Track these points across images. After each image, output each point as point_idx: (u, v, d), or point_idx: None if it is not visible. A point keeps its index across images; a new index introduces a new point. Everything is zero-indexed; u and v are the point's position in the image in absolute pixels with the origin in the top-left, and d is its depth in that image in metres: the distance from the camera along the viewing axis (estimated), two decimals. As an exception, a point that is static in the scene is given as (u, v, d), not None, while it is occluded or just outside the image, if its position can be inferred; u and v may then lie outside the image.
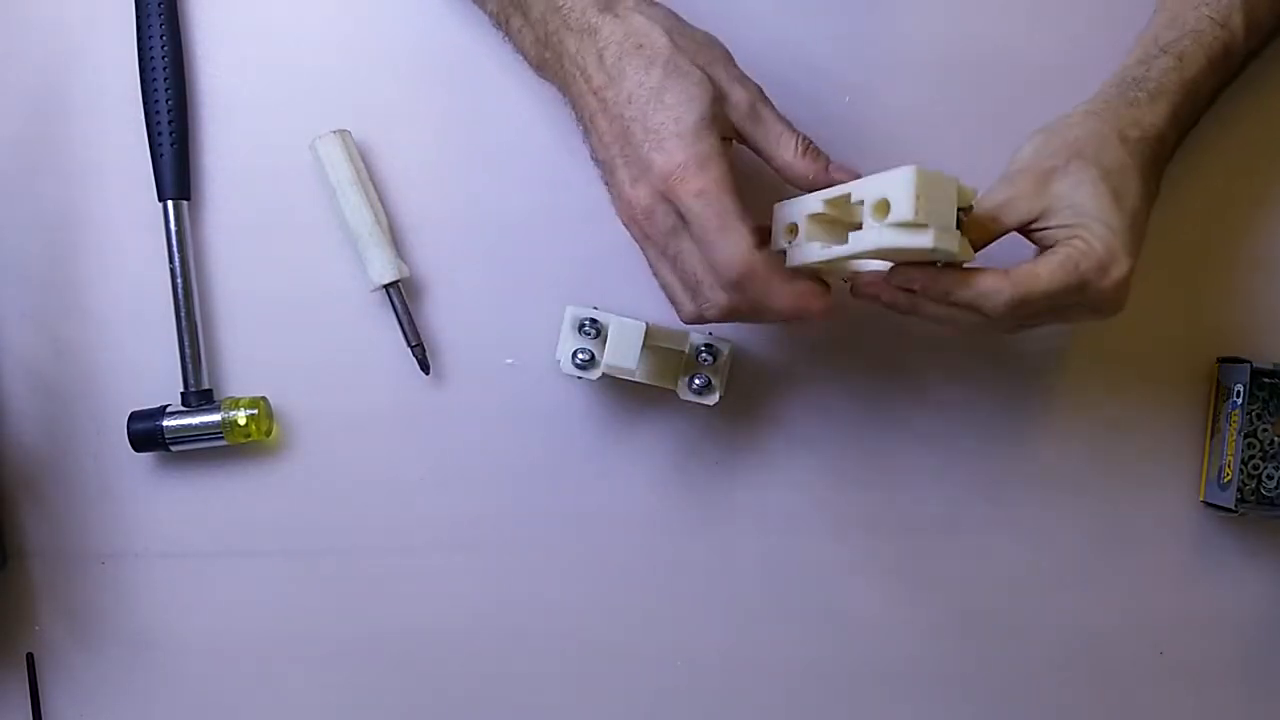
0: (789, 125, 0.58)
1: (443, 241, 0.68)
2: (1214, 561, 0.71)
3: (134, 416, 0.66)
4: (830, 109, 0.68)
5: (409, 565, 0.69)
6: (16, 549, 0.68)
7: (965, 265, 0.57)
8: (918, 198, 0.51)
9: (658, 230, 0.55)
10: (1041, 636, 0.70)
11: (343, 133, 0.66)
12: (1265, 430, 0.68)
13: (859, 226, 0.54)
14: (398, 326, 0.67)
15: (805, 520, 0.70)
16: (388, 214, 0.67)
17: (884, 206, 0.52)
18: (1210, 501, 0.69)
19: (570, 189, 0.68)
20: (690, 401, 0.65)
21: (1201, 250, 0.69)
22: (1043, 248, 0.59)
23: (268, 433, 0.67)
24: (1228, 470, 0.67)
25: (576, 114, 0.59)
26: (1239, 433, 0.67)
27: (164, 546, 0.69)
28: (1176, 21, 0.64)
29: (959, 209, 0.54)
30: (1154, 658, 0.71)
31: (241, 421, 0.66)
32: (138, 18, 0.66)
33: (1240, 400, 0.67)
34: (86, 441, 0.68)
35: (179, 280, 0.66)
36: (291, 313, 0.68)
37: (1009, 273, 0.56)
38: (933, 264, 0.57)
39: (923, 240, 0.52)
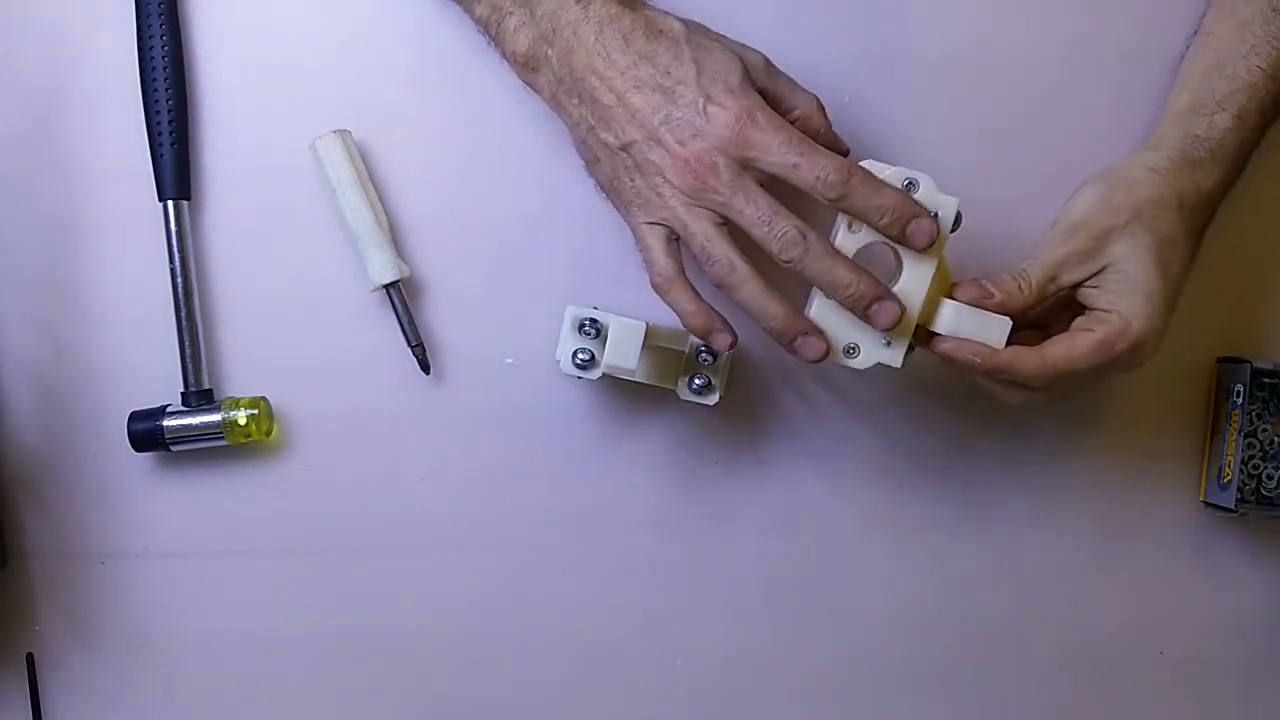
0: (799, 86, 0.62)
1: (443, 241, 0.68)
2: (1214, 561, 0.71)
3: (134, 416, 0.66)
4: (830, 109, 0.68)
5: (409, 565, 0.69)
6: (16, 549, 0.68)
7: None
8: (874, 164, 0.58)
9: (723, 180, 0.56)
10: (1041, 636, 0.70)
11: (343, 133, 0.66)
12: (1265, 430, 0.68)
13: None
14: (398, 326, 0.67)
15: (805, 520, 0.70)
16: (388, 214, 0.67)
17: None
18: (1210, 501, 0.69)
19: (571, 189, 0.68)
20: (690, 401, 0.65)
21: (1203, 250, 0.69)
22: (1084, 304, 0.61)
23: (268, 433, 0.67)
24: (1228, 470, 0.67)
25: (584, 115, 0.59)
26: (1239, 433, 0.67)
27: (164, 546, 0.69)
28: (1226, 70, 0.63)
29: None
30: (1154, 658, 0.71)
31: (241, 421, 0.66)
32: (138, 18, 0.66)
33: (1240, 400, 0.67)
34: (86, 441, 0.68)
35: (179, 280, 0.66)
36: (291, 313, 0.68)
37: (1045, 354, 0.59)
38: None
39: (887, 170, 0.58)
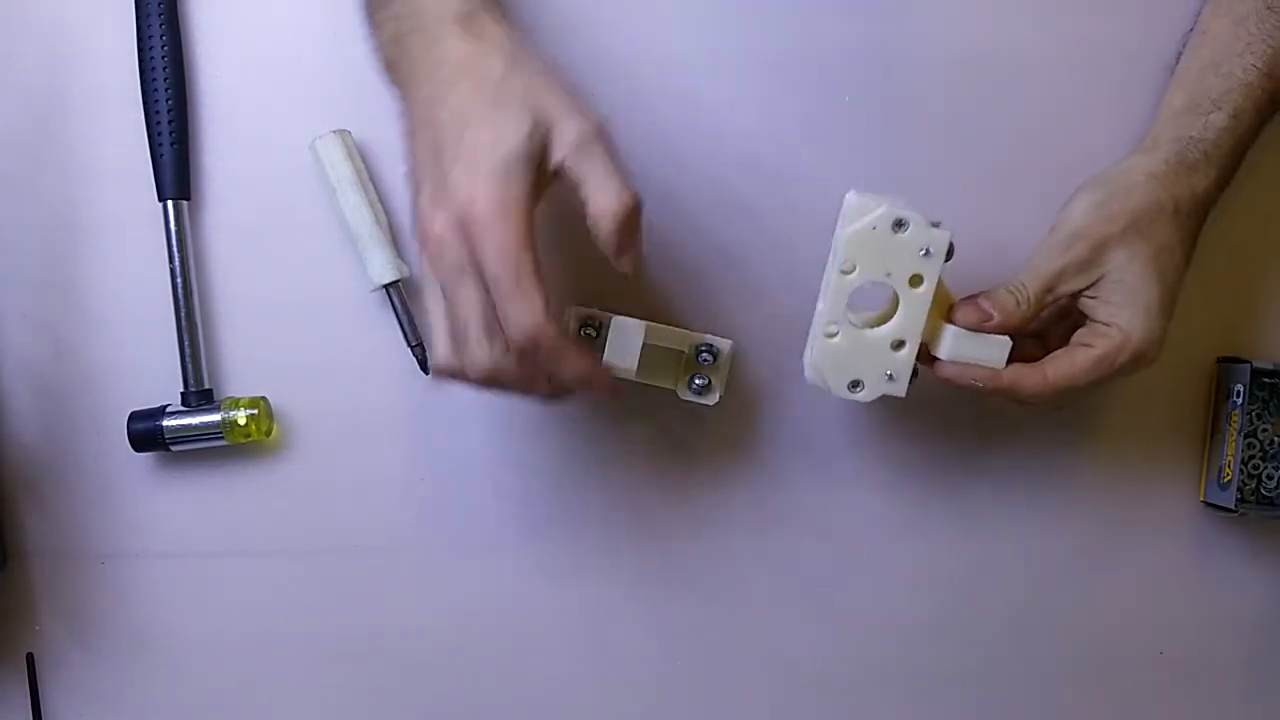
0: (623, 176, 0.53)
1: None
2: (1214, 561, 0.70)
3: (134, 416, 0.66)
4: (830, 109, 0.68)
5: (409, 565, 0.69)
6: (16, 549, 0.68)
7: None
8: (860, 197, 0.58)
9: (444, 264, 0.51)
10: (1041, 636, 0.70)
11: (343, 133, 0.66)
12: (1265, 430, 0.68)
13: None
14: (398, 326, 0.67)
15: (804, 520, 0.70)
16: (388, 214, 0.67)
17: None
18: (1210, 501, 0.69)
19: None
20: (690, 402, 0.65)
21: (1202, 250, 0.69)
22: (1083, 313, 0.61)
23: (268, 433, 0.67)
24: (1228, 470, 0.67)
25: (404, 125, 0.55)
26: (1239, 433, 0.67)
27: (164, 546, 0.69)
28: (1222, 69, 0.63)
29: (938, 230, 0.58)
30: (1154, 658, 0.71)
31: (241, 421, 0.66)
32: (138, 18, 0.66)
33: (1240, 400, 0.67)
34: (86, 441, 0.68)
35: (179, 280, 0.66)
36: (291, 313, 0.68)
37: (1047, 372, 0.59)
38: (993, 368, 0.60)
39: (876, 211, 0.57)
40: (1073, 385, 0.59)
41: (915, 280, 0.59)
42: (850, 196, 0.58)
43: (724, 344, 0.65)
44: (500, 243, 0.50)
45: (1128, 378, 0.61)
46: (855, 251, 0.58)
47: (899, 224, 0.57)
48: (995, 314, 0.60)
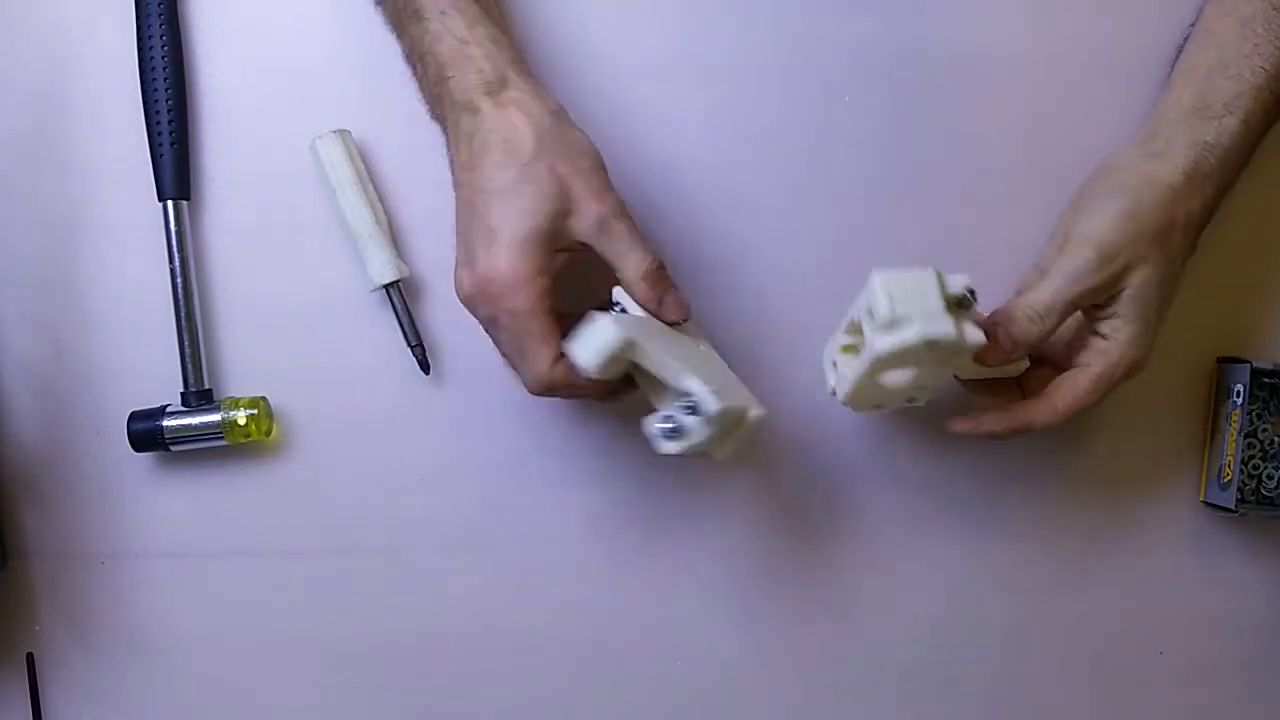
0: (642, 244, 0.59)
1: (443, 241, 0.68)
2: (1214, 561, 0.70)
3: (134, 416, 0.66)
4: (830, 109, 0.68)
5: (409, 565, 0.69)
6: (16, 549, 0.68)
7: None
8: (889, 295, 0.54)
9: (478, 315, 0.58)
10: (1042, 636, 0.70)
11: (343, 133, 0.66)
12: (1265, 430, 0.68)
13: None
14: (398, 326, 0.67)
15: (804, 519, 0.70)
16: (388, 214, 0.67)
17: (871, 315, 0.55)
18: (1210, 501, 0.69)
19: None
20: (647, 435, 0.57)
21: (1202, 250, 0.69)
22: (1090, 328, 0.61)
23: (268, 433, 0.67)
24: (1228, 470, 0.67)
25: (451, 176, 0.60)
26: (1239, 433, 0.67)
27: (164, 546, 0.69)
28: (1230, 70, 0.62)
29: (958, 294, 0.56)
30: (1154, 658, 0.71)
31: (241, 421, 0.66)
32: (138, 18, 0.66)
33: (1240, 400, 0.67)
34: (86, 441, 0.68)
35: (179, 280, 0.66)
36: (291, 313, 0.68)
37: (1057, 404, 0.61)
38: (1001, 410, 0.61)
39: (908, 334, 0.53)
40: (1081, 407, 0.61)
41: (942, 363, 0.59)
42: (875, 285, 0.54)
43: (709, 403, 0.54)
44: (511, 310, 0.56)
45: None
46: (884, 364, 0.56)
47: (933, 344, 0.54)
48: (1012, 348, 0.59)
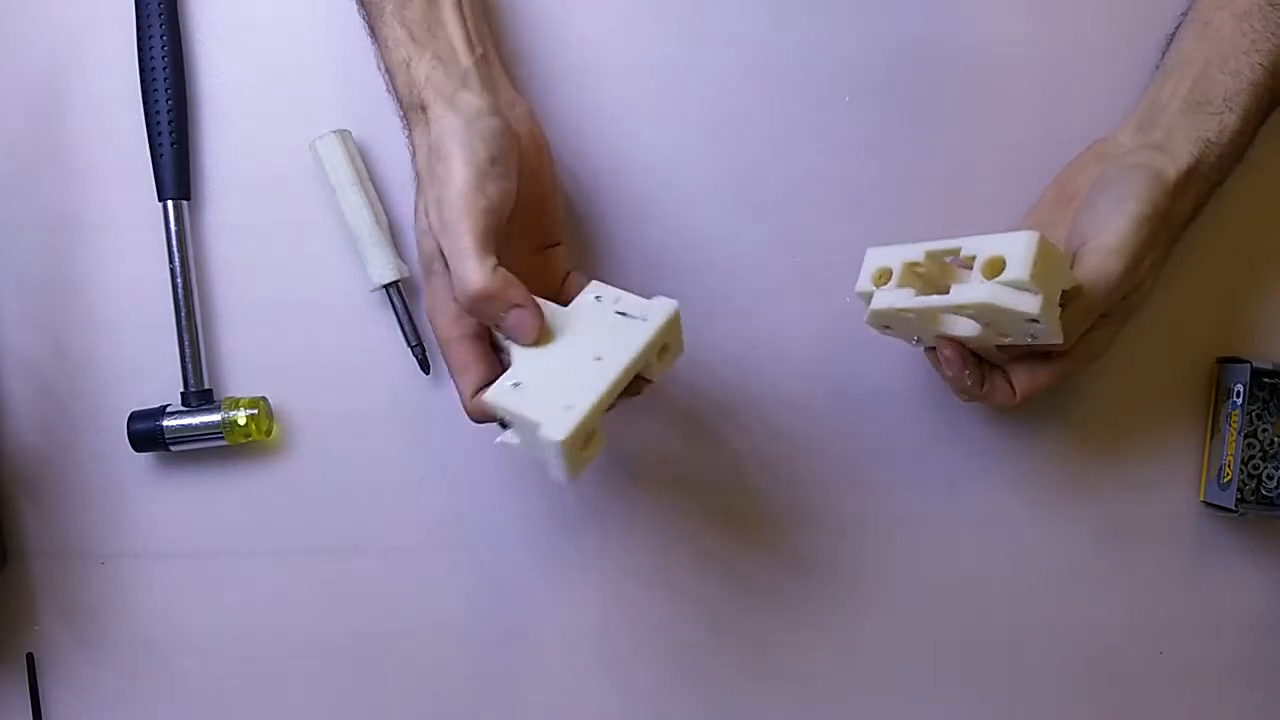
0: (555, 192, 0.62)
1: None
2: (1214, 561, 0.70)
3: (134, 416, 0.66)
4: (830, 109, 0.68)
5: (408, 565, 0.69)
6: (16, 549, 0.68)
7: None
8: (1035, 262, 0.52)
9: (423, 261, 0.59)
10: (1042, 636, 0.70)
11: (343, 133, 0.66)
12: (1265, 430, 0.68)
13: (947, 290, 0.55)
14: (398, 326, 0.67)
15: (805, 520, 0.70)
16: (388, 214, 0.67)
17: (998, 264, 0.54)
18: (1210, 501, 0.69)
19: (569, 188, 0.68)
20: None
21: (1202, 251, 0.69)
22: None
23: (268, 433, 0.67)
24: (1228, 470, 0.67)
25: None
26: (1239, 433, 0.67)
27: (164, 546, 0.69)
28: (1229, 65, 0.62)
29: (1063, 289, 0.55)
30: (1154, 658, 0.71)
31: (241, 421, 0.66)
32: (138, 18, 0.66)
33: (1240, 400, 0.67)
34: (86, 441, 0.68)
35: (179, 280, 0.66)
36: (291, 313, 0.68)
37: (1016, 384, 0.61)
38: (1015, 348, 0.59)
39: (1030, 305, 0.53)
40: (1036, 392, 0.61)
41: (1003, 335, 0.58)
42: (1028, 240, 0.53)
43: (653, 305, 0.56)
44: (449, 214, 0.55)
45: (1107, 379, 0.63)
46: (980, 310, 0.55)
47: (1033, 320, 0.54)
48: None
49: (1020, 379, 0.61)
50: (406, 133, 0.61)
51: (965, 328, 0.59)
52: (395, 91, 0.61)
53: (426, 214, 0.57)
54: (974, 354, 0.61)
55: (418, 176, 0.59)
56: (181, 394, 0.66)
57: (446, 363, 0.60)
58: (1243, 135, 0.62)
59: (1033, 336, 0.57)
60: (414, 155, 0.60)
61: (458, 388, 0.59)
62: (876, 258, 0.60)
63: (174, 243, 0.66)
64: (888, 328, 0.62)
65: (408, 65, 0.59)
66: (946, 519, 0.70)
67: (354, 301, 0.68)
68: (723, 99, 0.68)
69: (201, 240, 0.68)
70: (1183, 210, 0.61)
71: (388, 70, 0.61)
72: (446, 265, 0.56)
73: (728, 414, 0.69)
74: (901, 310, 0.58)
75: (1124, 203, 0.60)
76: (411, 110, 0.60)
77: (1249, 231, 0.70)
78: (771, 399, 0.69)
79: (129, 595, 0.69)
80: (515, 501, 0.69)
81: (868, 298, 0.59)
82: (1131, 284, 0.59)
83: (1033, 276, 0.52)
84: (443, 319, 0.59)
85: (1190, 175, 0.61)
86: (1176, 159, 0.61)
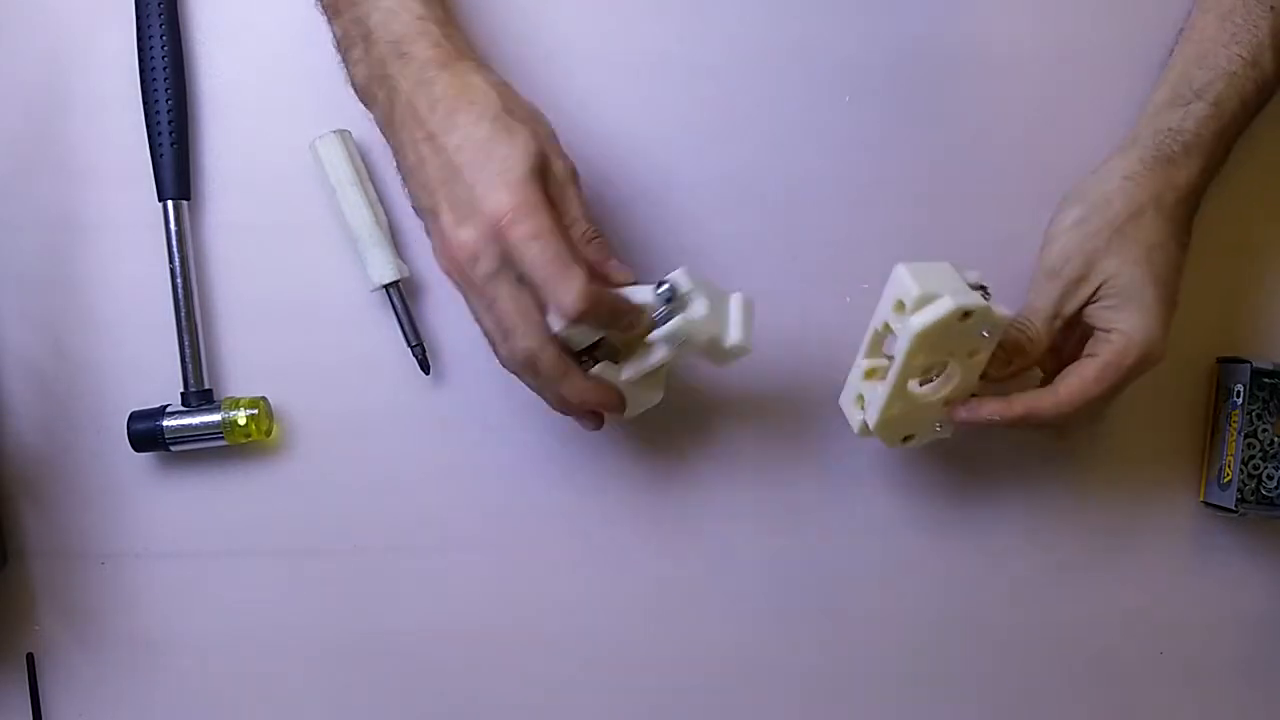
0: (586, 212, 0.59)
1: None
2: (1214, 561, 0.71)
3: (134, 416, 0.66)
4: (830, 109, 0.68)
5: (409, 565, 0.69)
6: (16, 549, 0.68)
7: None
8: (916, 279, 0.56)
9: (479, 273, 0.55)
10: (1042, 636, 0.70)
11: (343, 133, 0.66)
12: (1265, 430, 0.68)
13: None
14: (398, 326, 0.67)
15: (805, 520, 0.70)
16: (388, 214, 0.67)
17: (900, 306, 0.57)
18: (1210, 501, 0.69)
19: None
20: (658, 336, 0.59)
21: (1202, 250, 0.69)
22: (1088, 323, 0.62)
23: (268, 433, 0.67)
24: (1228, 470, 0.67)
25: (399, 158, 0.59)
26: (1239, 433, 0.67)
27: (164, 546, 0.69)
28: (1207, 61, 0.63)
29: (974, 283, 0.58)
30: (1154, 658, 0.71)
31: (241, 421, 0.66)
32: (138, 18, 0.66)
33: (1240, 400, 0.67)
34: (86, 441, 0.68)
35: (179, 280, 0.66)
36: (291, 313, 0.68)
37: (1059, 391, 0.60)
38: (1002, 391, 0.62)
39: (942, 306, 0.56)
40: (1086, 397, 0.60)
41: (972, 353, 0.60)
42: (901, 273, 0.57)
43: (682, 282, 0.59)
44: (534, 232, 0.54)
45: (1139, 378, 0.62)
46: (921, 343, 0.57)
47: (965, 314, 0.57)
48: (1013, 359, 0.61)
49: (1068, 382, 0.61)
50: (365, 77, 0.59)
51: (949, 381, 0.61)
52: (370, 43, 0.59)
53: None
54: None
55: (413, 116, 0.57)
56: (181, 394, 0.66)
57: (542, 263, 0.54)
58: (1218, 122, 0.62)
59: (987, 333, 0.58)
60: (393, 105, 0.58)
61: (566, 279, 0.54)
62: (848, 399, 0.63)
63: (174, 243, 0.66)
64: (909, 437, 0.63)
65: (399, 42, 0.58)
66: (946, 518, 0.70)
67: (354, 301, 0.68)
68: (723, 99, 0.68)
69: (201, 240, 0.68)
70: (1157, 196, 0.61)
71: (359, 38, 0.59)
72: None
73: (726, 413, 0.69)
74: (887, 408, 0.60)
75: (1062, 215, 0.63)
76: (391, 56, 0.58)
77: (1249, 232, 0.70)
78: (771, 398, 0.69)
79: (129, 595, 0.69)
80: (515, 501, 0.69)
81: (865, 429, 0.62)
82: (1070, 276, 0.61)
83: (924, 289, 0.56)
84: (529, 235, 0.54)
85: (1151, 164, 0.62)
86: (1130, 155, 0.63)
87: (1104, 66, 0.68)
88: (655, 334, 0.58)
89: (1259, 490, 0.68)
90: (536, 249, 0.54)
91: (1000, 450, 0.70)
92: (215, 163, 0.68)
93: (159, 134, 0.66)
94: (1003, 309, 0.58)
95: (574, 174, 0.59)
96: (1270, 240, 0.70)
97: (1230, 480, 0.67)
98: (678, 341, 0.58)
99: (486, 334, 0.58)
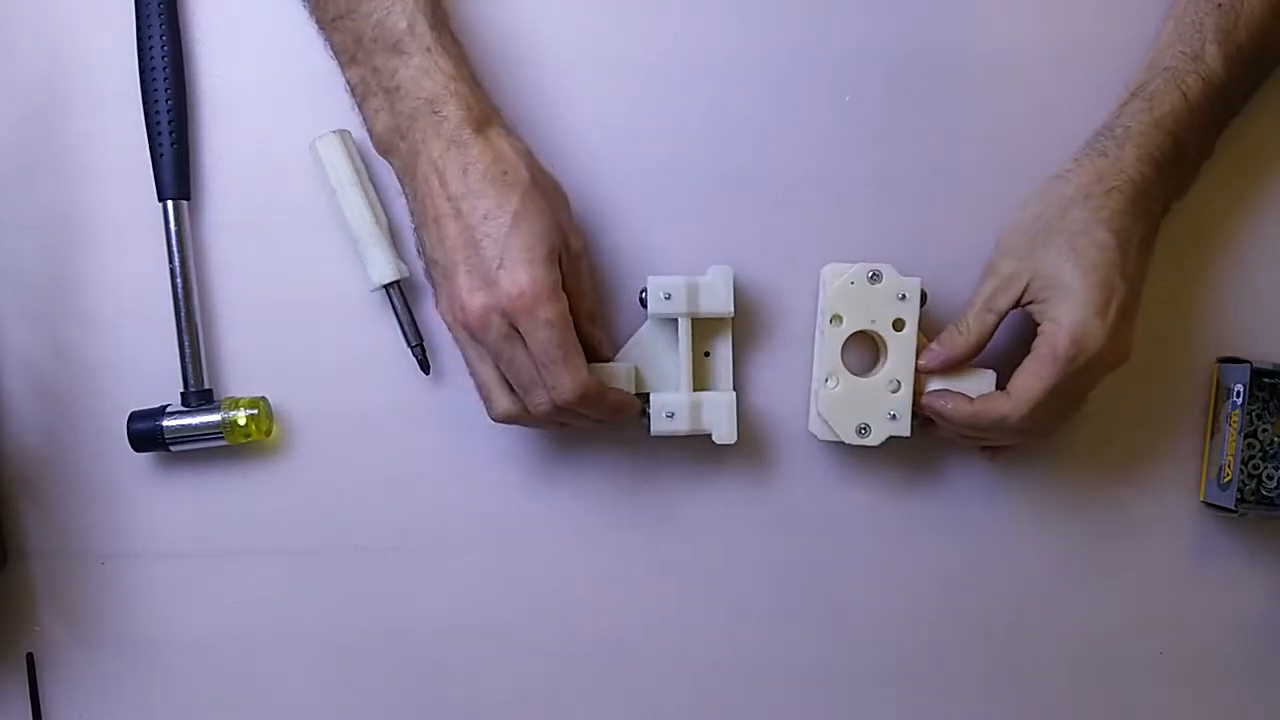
0: (593, 286, 0.64)
1: (443, 241, 0.68)
2: (1214, 561, 0.70)
3: (134, 416, 0.66)
4: (830, 109, 0.68)
5: (409, 565, 0.69)
6: (16, 549, 0.68)
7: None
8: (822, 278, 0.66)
9: (490, 336, 0.59)
10: (1042, 636, 0.70)
11: (343, 133, 0.66)
12: (1265, 430, 0.68)
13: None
14: (398, 326, 0.67)
15: (805, 520, 0.70)
16: (388, 214, 0.67)
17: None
18: (1210, 501, 0.69)
19: (569, 188, 0.68)
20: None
21: (1201, 250, 0.69)
22: (1035, 324, 0.63)
23: (268, 433, 0.67)
24: (1228, 470, 0.67)
25: (416, 209, 0.61)
26: (1239, 433, 0.67)
27: (164, 546, 0.69)
28: (1153, 62, 0.65)
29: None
30: (1154, 658, 0.71)
31: (241, 421, 0.66)
32: (138, 18, 0.66)
33: (1240, 400, 0.67)
34: (86, 441, 0.68)
35: (179, 280, 0.66)
36: (291, 313, 0.68)
37: (1010, 390, 0.63)
38: (958, 393, 0.65)
39: (854, 267, 0.64)
40: (1036, 395, 0.61)
41: (898, 324, 0.65)
42: (829, 266, 0.66)
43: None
44: (548, 321, 0.58)
45: (1107, 377, 0.62)
46: (839, 305, 0.64)
47: (874, 276, 0.64)
48: (942, 351, 0.64)
49: (1015, 380, 0.62)
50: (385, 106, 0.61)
51: (886, 361, 0.65)
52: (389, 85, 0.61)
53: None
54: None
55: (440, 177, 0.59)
56: (181, 394, 0.66)
57: (547, 347, 0.58)
58: (1150, 114, 0.63)
59: (904, 296, 0.64)
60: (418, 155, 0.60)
61: (569, 366, 0.58)
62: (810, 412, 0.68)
63: (174, 243, 0.66)
64: (865, 427, 0.66)
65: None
66: (946, 518, 0.70)
67: (354, 301, 0.68)
68: (723, 99, 0.68)
69: (201, 240, 0.68)
70: (1082, 186, 0.62)
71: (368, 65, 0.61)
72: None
73: (728, 414, 0.69)
74: (826, 382, 0.65)
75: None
76: (420, 110, 0.60)
77: (1249, 233, 0.70)
78: (766, 399, 0.69)
79: (129, 595, 0.69)
80: (515, 501, 0.69)
81: (822, 423, 0.66)
82: (999, 273, 0.64)
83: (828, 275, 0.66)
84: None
85: (1079, 160, 0.64)
86: (1063, 161, 0.65)
87: (1102, 68, 0.68)
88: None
89: (1259, 490, 0.68)
90: (545, 335, 0.58)
91: (1000, 452, 0.70)
92: (215, 163, 0.68)
93: (159, 134, 0.66)
94: (916, 278, 0.64)
95: (584, 249, 0.63)
96: (1270, 241, 0.70)
97: (1230, 480, 0.67)
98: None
99: (482, 387, 0.62)
